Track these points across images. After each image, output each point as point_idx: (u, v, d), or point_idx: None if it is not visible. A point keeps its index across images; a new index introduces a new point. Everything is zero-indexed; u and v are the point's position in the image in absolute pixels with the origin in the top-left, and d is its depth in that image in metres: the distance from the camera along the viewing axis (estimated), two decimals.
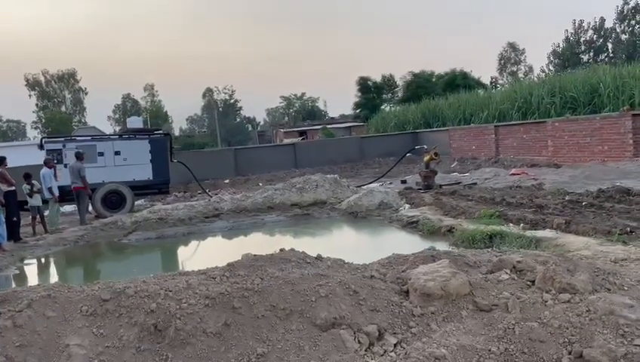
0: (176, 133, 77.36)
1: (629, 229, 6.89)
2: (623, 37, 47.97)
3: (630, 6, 47.48)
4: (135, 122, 18.96)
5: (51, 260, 9.84)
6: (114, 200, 14.15)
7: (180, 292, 3.79)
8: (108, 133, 39.85)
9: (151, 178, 14.93)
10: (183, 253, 10.35)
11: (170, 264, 9.48)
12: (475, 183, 13.92)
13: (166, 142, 15.63)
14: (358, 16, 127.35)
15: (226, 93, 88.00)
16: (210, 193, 16.91)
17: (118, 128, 69.65)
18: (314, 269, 4.19)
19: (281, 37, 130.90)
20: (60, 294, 3.78)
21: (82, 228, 11.82)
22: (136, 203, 15.00)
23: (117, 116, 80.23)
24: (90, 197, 13.12)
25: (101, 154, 14.51)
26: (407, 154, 19.51)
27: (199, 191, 17.96)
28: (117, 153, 14.66)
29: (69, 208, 15.60)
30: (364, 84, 51.02)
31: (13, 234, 10.59)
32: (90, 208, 13.88)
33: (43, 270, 9.35)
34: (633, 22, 47.18)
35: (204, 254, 10.04)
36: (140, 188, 14.93)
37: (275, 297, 3.76)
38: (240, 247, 8.81)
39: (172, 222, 11.88)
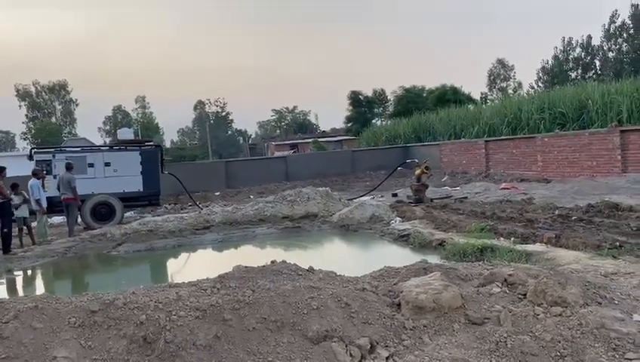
0: (167, 145, 77.09)
1: (618, 244, 6.94)
2: (610, 55, 48.81)
3: (617, 25, 48.41)
4: (126, 134, 18.83)
5: (39, 272, 9.69)
6: (103, 212, 14.03)
7: (169, 303, 3.74)
8: (98, 144, 39.66)
9: (141, 189, 14.84)
10: (173, 265, 10.25)
11: (160, 276, 9.37)
12: (465, 197, 13.98)
13: (157, 154, 15.57)
14: (350, 30, 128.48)
15: (217, 106, 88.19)
16: (200, 205, 16.83)
17: (108, 140, 69.37)
18: (306, 281, 4.16)
19: (274, 50, 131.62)
20: (47, 305, 3.72)
21: (71, 239, 11.68)
22: (125, 214, 14.89)
23: (108, 128, 79.96)
24: (79, 208, 13.00)
25: (91, 165, 14.42)
26: (399, 168, 19.59)
27: (190, 203, 17.86)
28: (107, 164, 14.58)
29: (57, 219, 15.44)
30: (355, 98, 51.40)
31: (4, 245, 10.46)
32: (79, 220, 13.74)
33: (30, 282, 9.21)
34: (620, 40, 48.04)
35: (195, 266, 9.95)
36: (130, 200, 14.83)
37: (267, 309, 3.73)
38: (231, 259, 8.75)
39: (162, 234, 11.78)
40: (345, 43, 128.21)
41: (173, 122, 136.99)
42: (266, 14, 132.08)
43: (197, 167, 27.46)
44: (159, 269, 10.07)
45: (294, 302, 3.80)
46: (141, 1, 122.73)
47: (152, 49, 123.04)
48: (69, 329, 3.54)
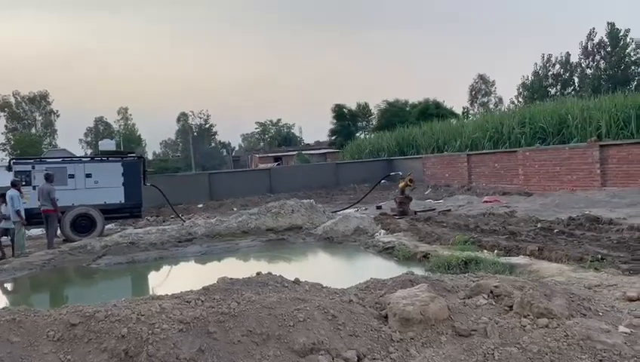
0: (150, 156, 76.41)
1: (600, 256, 7.01)
2: (589, 71, 49.94)
3: (594, 42, 49.63)
4: (108, 145, 18.64)
5: (16, 285, 9.46)
6: (84, 224, 13.79)
7: (152, 316, 3.66)
8: (79, 155, 39.10)
9: (123, 201, 14.63)
10: (156, 277, 10.09)
11: (141, 289, 9.22)
12: (449, 210, 14.05)
13: (139, 165, 15.39)
14: (334, 44, 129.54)
15: (201, 118, 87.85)
16: (183, 217, 16.65)
17: (89, 151, 68.56)
18: (292, 293, 4.11)
19: (258, 63, 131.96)
20: (25, 318, 3.61)
21: (50, 252, 11.44)
22: (106, 227, 14.65)
23: (89, 139, 79.08)
24: (59, 220, 12.76)
25: (71, 176, 14.19)
26: (382, 181, 19.64)
27: (172, 216, 17.66)
28: (88, 175, 14.36)
29: (35, 232, 15.12)
30: (339, 112, 51.65)
31: None
32: (59, 232, 13.47)
33: (7, 295, 8.98)
34: (598, 57, 49.22)
35: (178, 279, 9.80)
36: (111, 212, 14.61)
37: (252, 322, 3.66)
38: (214, 272, 8.61)
39: (144, 246, 11.61)
40: (329, 57, 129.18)
41: (155, 134, 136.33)
42: (250, 27, 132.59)
43: (180, 179, 27.21)
44: (141, 282, 9.90)
45: (280, 314, 3.74)
46: (124, 12, 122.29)
47: (135, 60, 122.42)
48: (47, 342, 3.43)
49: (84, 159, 16.80)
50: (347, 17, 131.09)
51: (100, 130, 78.57)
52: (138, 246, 11.57)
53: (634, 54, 48.15)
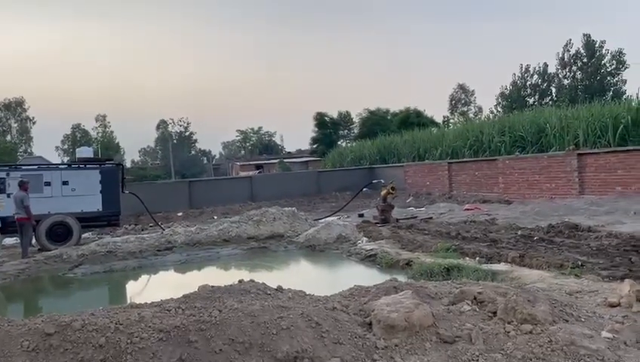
0: (129, 164, 75.49)
1: (580, 263, 7.09)
2: (566, 82, 50.95)
3: (571, 53, 50.69)
4: (85, 152, 18.24)
5: None
6: (60, 233, 13.46)
7: (131, 325, 3.55)
8: (55, 163, 38.38)
9: (100, 209, 14.34)
10: (134, 286, 9.89)
11: (120, 298, 9.01)
12: (430, 218, 14.12)
13: (117, 173, 15.13)
14: (315, 53, 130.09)
15: (181, 126, 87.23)
16: (162, 226, 16.41)
17: (66, 159, 67.41)
18: (275, 301, 4.04)
19: (239, 70, 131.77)
20: None
21: (24, 261, 11.15)
22: (83, 235, 14.35)
23: (66, 146, 77.76)
24: (34, 228, 12.46)
25: (48, 183, 13.87)
26: (364, 189, 19.66)
27: (151, 224, 17.39)
28: (65, 183, 14.05)
29: (9, 241, 14.73)
30: (321, 120, 51.78)
31: None
32: (34, 241, 13.14)
33: None
34: (574, 68, 50.26)
35: (157, 287, 9.63)
36: (89, 220, 14.30)
37: (234, 330, 3.58)
38: (195, 280, 8.46)
39: (122, 255, 11.39)
40: (311, 65, 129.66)
41: (134, 141, 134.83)
42: (231, 35, 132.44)
43: (159, 187, 26.88)
44: (119, 291, 9.69)
45: (263, 322, 3.67)
46: (102, 19, 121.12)
47: (114, 67, 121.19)
48: (21, 353, 3.30)
49: (60, 166, 16.47)
50: (329, 26, 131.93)
51: (77, 137, 77.30)
52: (116, 255, 11.36)
53: (609, 65, 49.30)
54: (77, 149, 19.88)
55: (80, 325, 3.51)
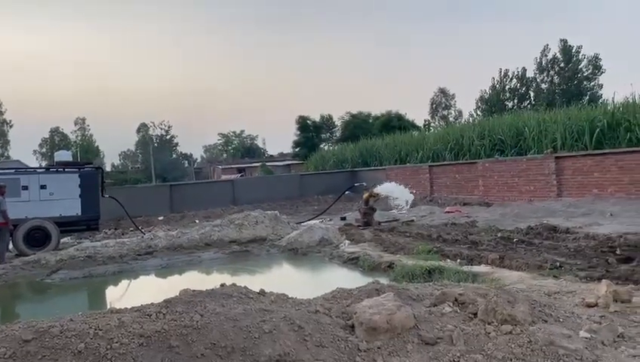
0: (108, 168, 74.44)
1: (558, 264, 7.21)
2: (543, 86, 51.83)
3: (548, 58, 51.62)
4: (64, 156, 17.95)
5: None
6: (38, 237, 13.22)
7: (111, 330, 3.51)
8: (33, 166, 37.71)
9: (79, 214, 14.14)
10: (114, 292, 9.75)
11: (99, 303, 8.89)
12: (412, 220, 14.21)
13: (97, 177, 14.94)
14: (296, 56, 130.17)
15: (161, 129, 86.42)
16: (143, 230, 16.23)
17: (44, 162, 66.31)
18: (257, 304, 4.03)
19: (220, 74, 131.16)
20: None
21: (1, 267, 10.91)
22: (62, 240, 14.11)
23: (44, 150, 76.46)
24: (11, 233, 12.21)
25: (25, 188, 13.62)
26: (346, 192, 19.71)
27: (132, 228, 17.19)
28: (43, 187, 13.82)
29: None
30: (303, 123, 51.84)
31: None
32: (11, 246, 12.88)
33: None
34: (552, 72, 51.17)
35: (138, 292, 9.50)
36: (68, 225, 14.07)
37: (216, 334, 3.56)
38: (176, 285, 8.41)
39: (101, 260, 11.23)
40: (293, 68, 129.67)
41: (114, 145, 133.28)
42: (211, 38, 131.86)
43: (139, 191, 26.59)
44: (99, 297, 9.55)
45: (245, 326, 3.65)
46: (80, 21, 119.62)
47: (93, 70, 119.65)
48: None
49: (38, 170, 16.20)
50: (311, 30, 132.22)
51: (55, 141, 76.09)
52: (95, 260, 11.18)
53: (586, 70, 50.31)
54: (55, 153, 19.54)
55: (58, 331, 3.45)
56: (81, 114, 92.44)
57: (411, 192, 13.19)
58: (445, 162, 22.35)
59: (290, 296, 4.48)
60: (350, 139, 39.65)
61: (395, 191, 13.46)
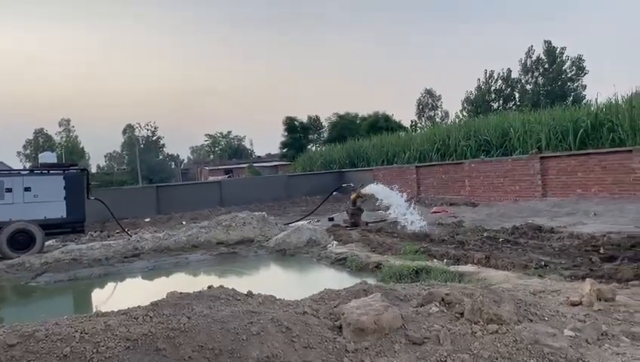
0: (94, 170, 73.85)
1: (543, 263, 7.30)
2: (528, 87, 52.40)
3: (532, 59, 52.18)
4: (48, 158, 17.74)
5: None
6: (22, 240, 13.04)
7: (97, 334, 3.48)
8: (17, 168, 37.21)
9: (64, 216, 13.97)
10: (100, 294, 9.66)
11: (85, 306, 8.80)
12: (399, 221, 14.24)
13: (82, 178, 14.78)
14: (284, 57, 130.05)
15: (148, 130, 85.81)
16: (129, 232, 16.09)
17: (28, 164, 65.45)
18: (245, 306, 4.02)
19: (207, 75, 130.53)
20: None
21: None
22: (47, 243, 13.94)
23: (28, 152, 75.52)
24: None
25: (9, 190, 13.43)
26: (334, 193, 19.74)
27: (117, 231, 17.04)
28: (27, 189, 13.63)
29: None
30: (290, 124, 51.86)
31: None
32: None
33: None
34: (536, 73, 51.74)
35: (124, 295, 9.44)
36: (52, 227, 13.91)
37: (204, 337, 3.55)
38: (163, 287, 8.35)
39: (87, 262, 11.12)
40: (280, 69, 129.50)
41: (100, 146, 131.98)
42: (199, 38, 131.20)
43: (126, 193, 26.38)
44: (84, 300, 9.46)
45: (233, 328, 3.64)
46: (65, 22, 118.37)
47: (78, 71, 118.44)
48: None
49: (22, 172, 15.99)
50: (298, 32, 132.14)
51: (40, 142, 75.20)
52: (81, 263, 11.07)
53: (570, 71, 50.95)
54: (40, 154, 19.30)
55: (43, 335, 3.42)
56: (66, 115, 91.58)
57: (400, 194, 13.22)
58: (432, 163, 22.49)
59: (278, 298, 4.48)
60: (338, 140, 39.74)
61: (380, 193, 13.50)
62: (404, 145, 26.88)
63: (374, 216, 15.48)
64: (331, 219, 15.71)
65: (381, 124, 41.91)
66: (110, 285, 10.13)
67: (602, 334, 3.97)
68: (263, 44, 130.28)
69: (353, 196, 13.94)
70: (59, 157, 42.65)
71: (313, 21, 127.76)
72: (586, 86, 50.69)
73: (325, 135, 52.93)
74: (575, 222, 11.08)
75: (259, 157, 77.45)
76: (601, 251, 7.79)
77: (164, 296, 4.22)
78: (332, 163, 33.17)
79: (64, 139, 77.98)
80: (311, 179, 29.03)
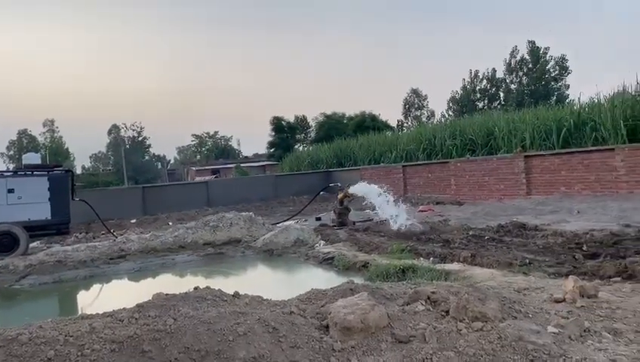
0: (79, 171, 73.08)
1: (527, 261, 7.38)
2: (513, 87, 52.93)
3: (517, 59, 52.71)
4: (32, 159, 17.51)
5: None
6: (5, 243, 12.85)
7: (82, 337, 3.45)
8: (0, 170, 36.65)
9: (49, 218, 13.80)
10: (86, 297, 9.57)
11: (70, 309, 8.70)
12: (386, 220, 14.29)
13: (67, 180, 14.61)
14: (271, 56, 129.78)
15: (134, 131, 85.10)
16: (115, 233, 15.95)
17: (12, 166, 64.57)
18: (231, 307, 4.02)
19: (194, 75, 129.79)
20: None
21: None
22: (31, 245, 13.77)
23: (12, 153, 74.49)
24: None
25: None
26: (321, 193, 19.76)
27: (103, 232, 16.89)
28: (10, 191, 13.45)
29: None
30: (278, 124, 51.80)
31: None
32: None
33: None
34: (521, 73, 52.28)
35: (110, 297, 9.35)
36: (37, 229, 13.73)
37: (190, 338, 3.54)
38: (149, 289, 8.31)
39: (72, 264, 11.00)
40: (267, 69, 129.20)
41: (85, 147, 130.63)
42: (185, 38, 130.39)
43: (111, 194, 26.14)
44: (69, 302, 9.36)
45: (219, 329, 3.64)
46: (48, 21, 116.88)
47: (63, 71, 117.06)
48: None
49: (6, 173, 15.77)
50: (284, 32, 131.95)
51: (23, 143, 74.21)
52: (66, 265, 10.96)
53: (553, 71, 51.55)
54: (23, 156, 19.04)
55: (27, 338, 3.39)
56: (51, 115, 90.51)
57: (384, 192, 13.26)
58: (418, 162, 22.62)
59: (265, 298, 4.49)
60: (325, 139, 39.78)
61: (367, 192, 13.53)
62: (391, 145, 26.99)
63: (361, 216, 15.52)
64: (319, 219, 15.73)
65: (368, 124, 42.05)
66: (95, 287, 10.04)
67: (585, 330, 4.02)
68: (249, 44, 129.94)
69: (340, 196, 13.96)
70: (43, 159, 42.12)
71: (300, 22, 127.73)
72: (569, 85, 51.42)
73: (312, 135, 52.97)
74: (559, 220, 11.21)
75: (246, 157, 77.23)
76: (585, 248, 7.90)
77: (150, 298, 4.20)
78: (319, 163, 33.20)
79: (48, 140, 77.04)
80: (298, 179, 29.02)
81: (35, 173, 14.51)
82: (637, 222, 9.93)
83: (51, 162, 44.54)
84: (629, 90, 15.99)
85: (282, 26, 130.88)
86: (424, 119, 59.28)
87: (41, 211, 13.70)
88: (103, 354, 3.32)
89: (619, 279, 6.00)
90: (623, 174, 13.40)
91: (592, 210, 12.16)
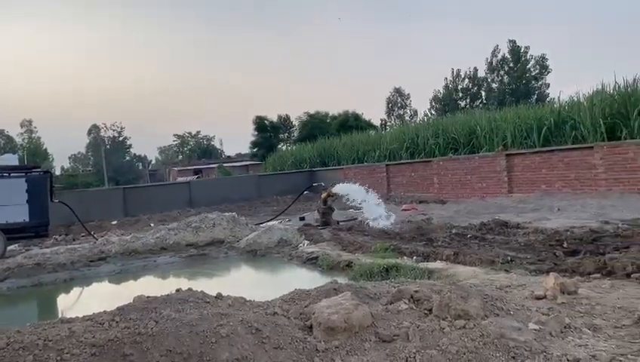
0: (58, 171, 71.85)
1: (509, 258, 7.45)
2: (494, 85, 53.51)
3: (498, 58, 53.30)
4: (9, 160, 17.19)
5: None
6: None
7: (61, 341, 3.39)
8: None
9: (27, 220, 13.56)
10: (65, 300, 9.42)
11: (49, 313, 8.55)
12: (370, 219, 14.33)
13: (45, 181, 14.37)
14: (253, 55, 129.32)
15: (114, 131, 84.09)
16: (95, 235, 15.74)
17: None
18: (214, 309, 3.98)
19: (175, 74, 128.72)
20: None
21: None
22: (9, 248, 13.51)
23: None
24: None
25: None
26: (305, 192, 19.74)
27: (83, 234, 16.65)
28: None
29: None
30: (260, 124, 51.60)
31: None
32: None
33: None
34: (502, 72, 52.88)
35: (90, 300, 9.19)
36: (14, 232, 13.48)
37: (172, 341, 3.50)
38: (130, 291, 8.21)
39: (51, 267, 10.81)
40: (249, 68, 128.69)
41: (64, 148, 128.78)
42: (166, 37, 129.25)
43: (91, 195, 25.78)
44: (49, 306, 9.20)
45: (202, 331, 3.60)
46: (26, 21, 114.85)
47: (41, 71, 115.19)
48: None
49: None
50: (268, 29, 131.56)
51: (0, 144, 72.83)
52: (45, 268, 10.76)
53: (534, 70, 52.24)
54: (0, 157, 18.70)
55: (5, 343, 3.31)
56: (28, 115, 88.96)
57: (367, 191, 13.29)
58: (402, 161, 22.73)
59: (248, 299, 4.46)
60: (308, 139, 39.75)
61: (351, 192, 13.56)
62: (374, 144, 27.08)
63: (345, 215, 15.54)
64: (302, 219, 15.71)
65: (351, 123, 42.13)
66: (75, 290, 9.88)
67: (565, 327, 4.07)
68: (231, 43, 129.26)
69: (324, 195, 13.96)
70: (21, 160, 41.38)
71: (281, 19, 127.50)
72: (549, 84, 52.15)
73: (296, 134, 52.88)
74: (540, 218, 11.36)
75: (229, 157, 76.83)
76: (565, 245, 8.01)
77: (131, 301, 4.15)
78: (303, 162, 33.17)
79: (26, 141, 75.75)
80: (282, 178, 28.96)
81: (12, 174, 14.25)
82: (615, 219, 10.11)
83: (29, 163, 43.76)
84: (607, 89, 16.25)
85: (264, 24, 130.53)
86: (407, 118, 59.64)
87: (19, 213, 13.45)
88: (83, 359, 3.26)
89: (598, 275, 6.09)
90: (601, 172, 13.62)
91: (571, 207, 12.35)
